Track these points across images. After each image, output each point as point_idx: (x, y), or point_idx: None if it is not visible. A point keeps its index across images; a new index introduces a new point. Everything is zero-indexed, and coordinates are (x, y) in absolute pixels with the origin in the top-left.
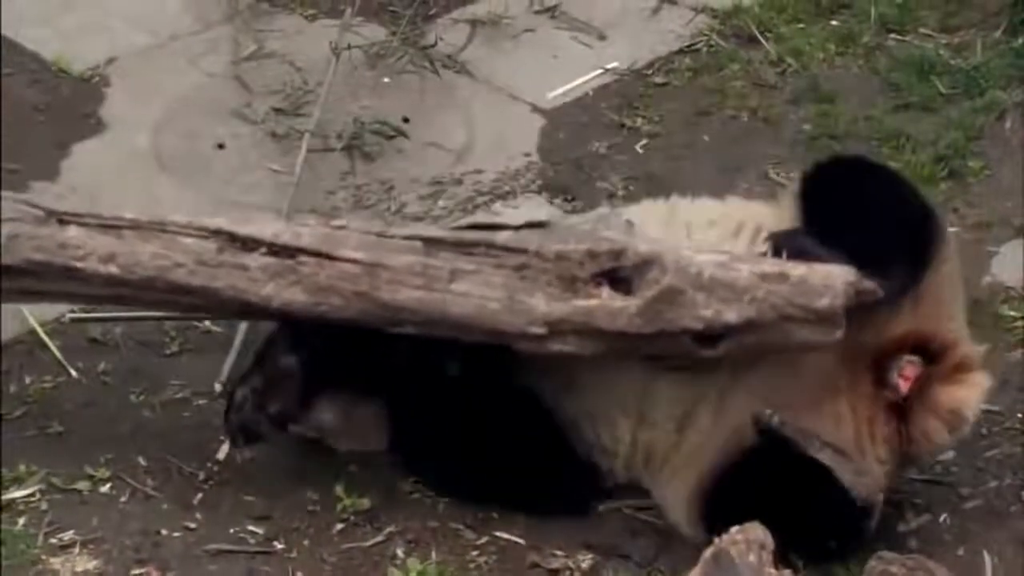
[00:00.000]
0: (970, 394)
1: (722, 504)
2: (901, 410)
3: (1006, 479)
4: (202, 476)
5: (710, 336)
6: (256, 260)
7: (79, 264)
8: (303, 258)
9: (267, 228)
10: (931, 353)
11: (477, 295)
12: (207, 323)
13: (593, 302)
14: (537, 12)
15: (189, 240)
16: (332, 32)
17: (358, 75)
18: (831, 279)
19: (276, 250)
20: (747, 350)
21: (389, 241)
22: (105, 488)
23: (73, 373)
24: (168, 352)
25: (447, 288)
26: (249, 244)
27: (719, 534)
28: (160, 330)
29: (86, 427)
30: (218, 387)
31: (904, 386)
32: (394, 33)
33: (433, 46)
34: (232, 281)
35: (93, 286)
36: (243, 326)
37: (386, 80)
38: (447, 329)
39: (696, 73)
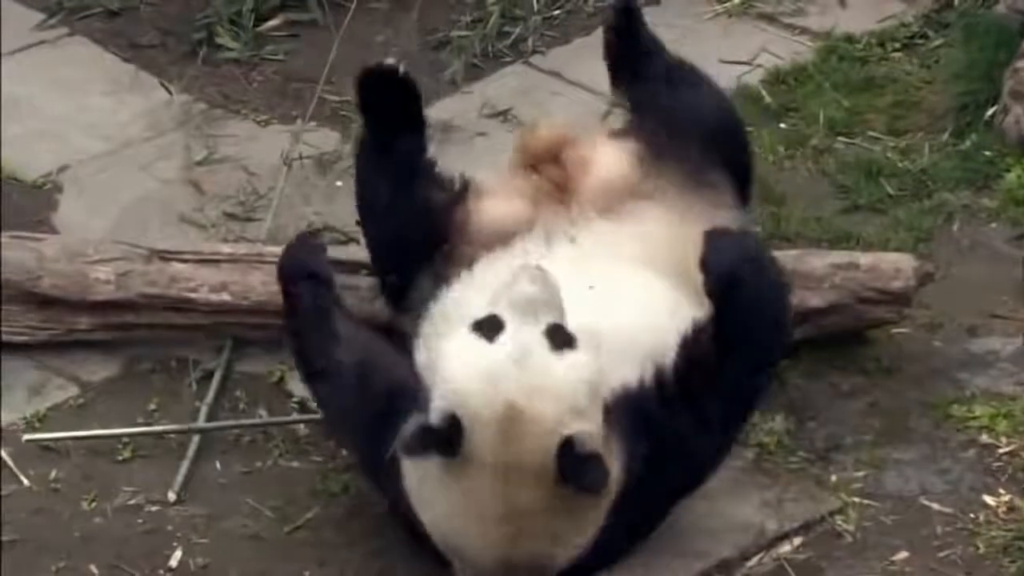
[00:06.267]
0: None
1: None
2: None
3: None
4: None
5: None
6: (365, 280)
7: (192, 295)
8: None
9: (362, 252)
10: None
11: None
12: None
13: None
14: (488, 116)
15: None
16: (285, 137)
17: (311, 180)
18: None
19: None
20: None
21: None
22: None
23: (25, 481)
24: (120, 458)
25: None
26: (351, 266)
27: None
28: (112, 436)
29: (38, 535)
30: (172, 496)
31: None
32: (346, 138)
33: None
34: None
35: (201, 315)
36: (196, 437)
37: (339, 184)
38: None
39: None
